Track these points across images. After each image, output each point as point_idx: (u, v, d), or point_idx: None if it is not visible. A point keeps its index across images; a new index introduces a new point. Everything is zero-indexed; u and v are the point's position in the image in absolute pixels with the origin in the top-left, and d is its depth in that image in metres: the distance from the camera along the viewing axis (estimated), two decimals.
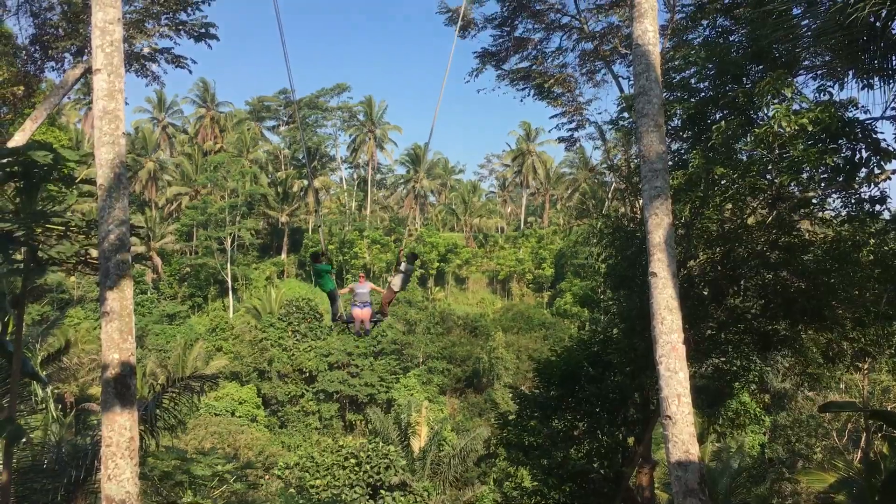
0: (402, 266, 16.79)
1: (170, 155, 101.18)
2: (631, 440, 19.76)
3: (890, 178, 12.08)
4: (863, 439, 22.67)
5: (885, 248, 13.11)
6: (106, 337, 8.10)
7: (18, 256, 11.51)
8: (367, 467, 43.00)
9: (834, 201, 13.65)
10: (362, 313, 16.33)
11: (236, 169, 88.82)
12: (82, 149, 70.25)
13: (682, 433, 8.70)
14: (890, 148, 11.44)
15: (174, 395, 16.16)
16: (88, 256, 10.94)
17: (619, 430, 19.79)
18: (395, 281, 16.77)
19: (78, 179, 11.02)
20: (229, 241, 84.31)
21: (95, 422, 24.39)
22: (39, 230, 10.65)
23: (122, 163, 8.65)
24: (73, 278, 66.41)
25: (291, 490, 37.32)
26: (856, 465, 17.51)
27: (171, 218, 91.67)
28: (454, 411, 69.13)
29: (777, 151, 12.17)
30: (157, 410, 15.62)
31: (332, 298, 16.50)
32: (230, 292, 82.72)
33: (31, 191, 10.98)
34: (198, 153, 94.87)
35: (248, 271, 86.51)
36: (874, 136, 11.53)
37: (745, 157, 13.25)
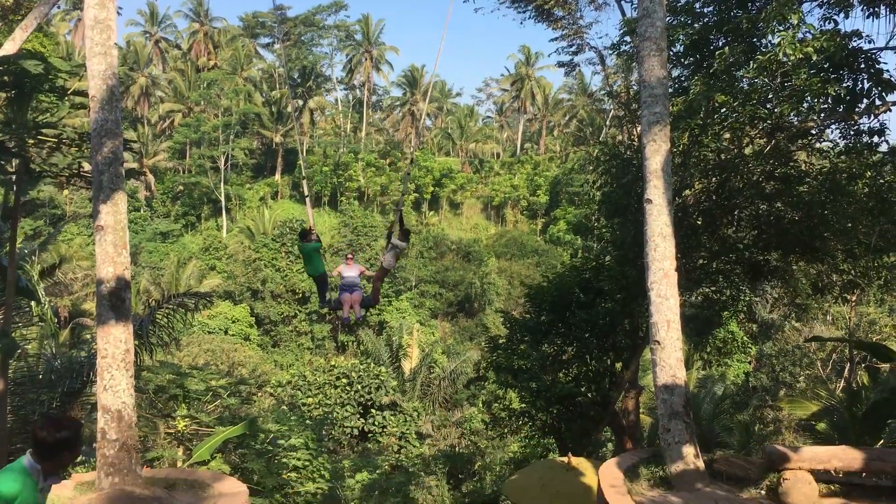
0: (395, 241, 15.14)
1: (162, 71, 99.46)
2: (619, 366, 20.06)
3: (890, 110, 11.99)
4: (846, 369, 23.16)
5: (881, 180, 13.09)
6: (100, 250, 8.10)
7: (11, 169, 11.41)
8: (359, 387, 43.76)
9: (832, 132, 13.59)
10: (351, 298, 14.93)
11: (230, 87, 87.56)
12: (73, 61, 68.94)
13: (669, 358, 8.85)
14: (892, 79, 11.31)
15: (168, 311, 16.25)
16: (81, 169, 10.85)
17: (607, 356, 20.06)
18: (387, 258, 15.39)
19: (70, 91, 10.84)
20: (223, 160, 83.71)
21: (89, 336, 24.64)
22: (32, 142, 10.52)
23: (114, 74, 8.50)
24: (66, 192, 66.08)
25: (283, 407, 38.03)
26: (838, 394, 17.85)
27: (163, 135, 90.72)
28: (445, 335, 70.02)
29: (779, 80, 12.02)
30: (152, 326, 15.74)
31: (321, 283, 15.12)
32: (224, 212, 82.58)
33: (23, 101, 10.80)
34: (191, 70, 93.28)
35: (242, 191, 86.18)
36: (877, 66, 11.40)
37: (746, 86, 13.09)
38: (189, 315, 17.26)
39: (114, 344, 7.90)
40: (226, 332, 58.67)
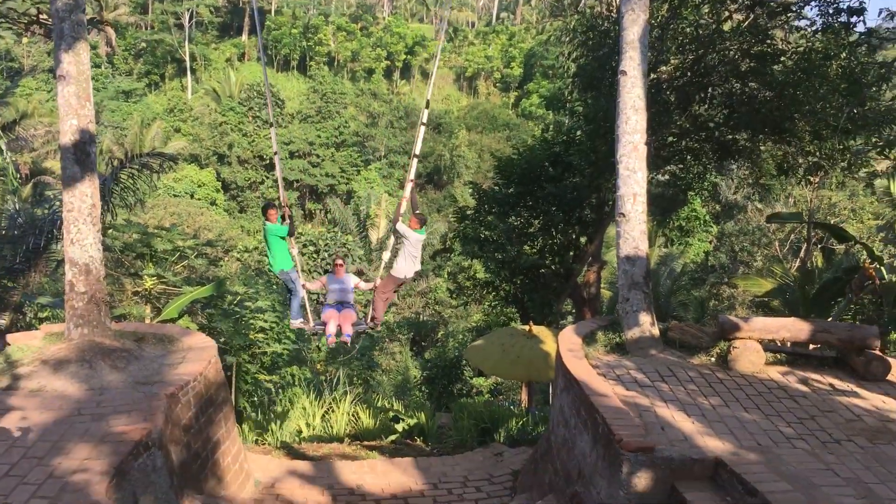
0: (403, 230, 10.42)
1: None
2: (583, 240, 20.40)
3: None
4: (803, 250, 23.83)
5: (855, 62, 13.07)
6: (63, 102, 7.88)
7: None
8: (326, 255, 44.13)
9: (812, 9, 13.43)
10: (340, 315, 10.76)
11: None
12: None
13: (633, 230, 9.01)
14: None
15: (133, 171, 16.02)
16: (40, 16, 10.40)
17: (572, 230, 20.34)
18: (399, 264, 10.61)
19: None
20: (187, 16, 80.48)
21: (52, 195, 24.32)
22: None
23: None
24: (26, 40, 63.39)
25: (251, 272, 38.34)
26: (793, 273, 18.42)
27: None
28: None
29: None
30: (115, 186, 15.55)
31: (290, 288, 10.85)
32: (188, 72, 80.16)
33: None
34: None
35: (207, 51, 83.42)
36: None
37: None
38: (154, 177, 17.06)
39: (79, 198, 7.82)
40: (192, 196, 58.28)
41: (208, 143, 65.73)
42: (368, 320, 11.10)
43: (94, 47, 72.36)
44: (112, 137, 57.28)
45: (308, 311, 11.09)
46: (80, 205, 7.83)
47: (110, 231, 15.40)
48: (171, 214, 46.53)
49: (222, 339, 16.00)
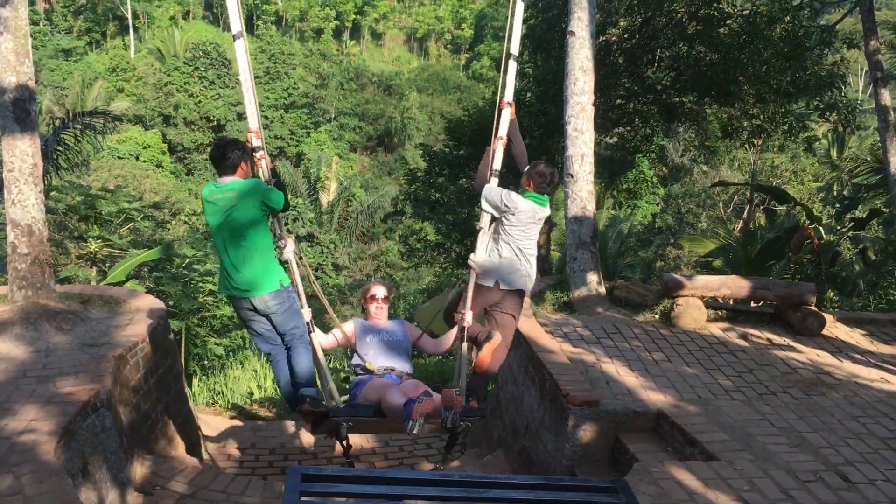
0: (503, 197, 5.64)
1: None
2: None
3: None
4: (746, 211, 24.40)
5: (798, 25, 13.35)
6: (0, 58, 7.65)
7: None
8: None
9: None
10: (396, 394, 5.05)
11: None
12: None
13: (581, 191, 9.14)
14: None
15: (76, 132, 15.62)
16: None
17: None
18: (491, 262, 5.72)
19: None
20: None
21: None
22: None
23: None
24: None
25: (199, 235, 37.80)
26: (735, 234, 18.86)
27: None
28: (364, 169, 69.71)
29: None
30: (58, 147, 15.16)
31: (283, 332, 5.45)
32: (131, 30, 77.87)
33: None
34: None
35: (150, 8, 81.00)
36: None
37: None
38: (98, 137, 16.66)
39: (20, 157, 7.63)
40: (137, 159, 56.89)
41: (153, 104, 64.02)
42: (458, 397, 4.99)
43: (31, 2, 69.72)
44: (52, 97, 55.47)
45: (329, 380, 5.55)
46: (21, 164, 7.64)
47: (53, 193, 15.03)
48: (116, 177, 45.43)
49: (171, 303, 15.81)
